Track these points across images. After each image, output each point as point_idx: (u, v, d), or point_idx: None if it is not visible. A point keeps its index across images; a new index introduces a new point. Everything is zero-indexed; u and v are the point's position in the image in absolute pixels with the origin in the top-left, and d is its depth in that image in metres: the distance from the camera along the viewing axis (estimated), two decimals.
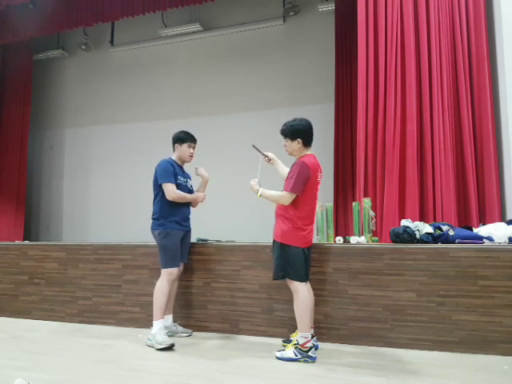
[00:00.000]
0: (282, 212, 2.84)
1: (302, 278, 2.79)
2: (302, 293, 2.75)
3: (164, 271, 3.21)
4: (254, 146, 3.20)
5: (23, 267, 4.27)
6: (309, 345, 2.68)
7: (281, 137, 2.98)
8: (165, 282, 3.17)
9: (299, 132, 2.84)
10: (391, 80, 3.98)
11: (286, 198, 2.78)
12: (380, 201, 3.91)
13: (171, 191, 3.22)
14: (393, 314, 3.02)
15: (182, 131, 3.46)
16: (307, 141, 2.88)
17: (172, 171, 3.27)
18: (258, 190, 2.92)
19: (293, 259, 2.78)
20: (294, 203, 2.80)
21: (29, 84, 7.91)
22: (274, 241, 2.89)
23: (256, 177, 3.03)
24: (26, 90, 7.85)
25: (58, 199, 8.29)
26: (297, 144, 2.86)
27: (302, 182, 2.75)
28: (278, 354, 2.76)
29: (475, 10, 4.03)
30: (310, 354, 2.68)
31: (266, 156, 3.21)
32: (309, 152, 2.90)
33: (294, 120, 2.88)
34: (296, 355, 2.68)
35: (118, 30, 8.03)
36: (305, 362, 2.66)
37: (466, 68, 3.99)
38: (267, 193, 2.90)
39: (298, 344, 2.70)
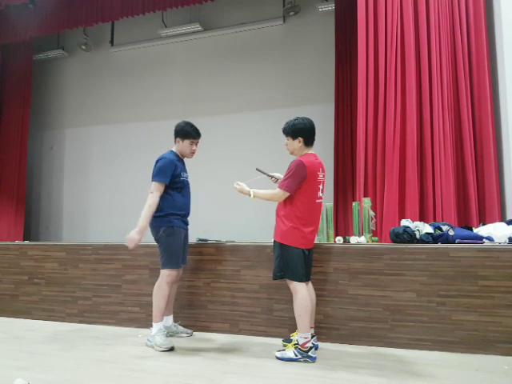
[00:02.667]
0: (282, 212, 2.83)
1: (301, 279, 2.78)
2: (301, 293, 2.74)
3: (163, 272, 3.09)
4: (258, 169, 3.11)
5: (23, 267, 4.27)
6: (309, 345, 2.68)
7: (280, 137, 2.98)
8: (164, 284, 3.06)
9: (301, 131, 2.83)
10: (391, 80, 3.99)
11: (279, 195, 2.80)
12: (380, 201, 3.91)
13: (158, 192, 3.06)
14: (393, 314, 3.02)
15: (187, 123, 3.24)
16: (308, 140, 2.86)
17: (171, 172, 3.10)
18: (249, 192, 2.94)
19: (291, 260, 2.77)
20: (293, 203, 2.79)
21: (29, 84, 7.91)
22: (274, 241, 2.89)
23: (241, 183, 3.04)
24: (26, 90, 7.85)
25: (58, 199, 8.29)
26: (298, 143, 2.85)
27: (297, 181, 2.74)
28: (278, 354, 2.76)
29: (475, 10, 4.03)
30: (309, 353, 2.67)
31: (273, 176, 3.14)
32: (311, 151, 2.89)
33: (297, 119, 2.87)
34: (296, 355, 2.68)
35: (118, 30, 8.04)
36: (305, 362, 2.66)
37: (466, 68, 3.99)
38: (259, 192, 2.93)
39: (297, 344, 2.70)
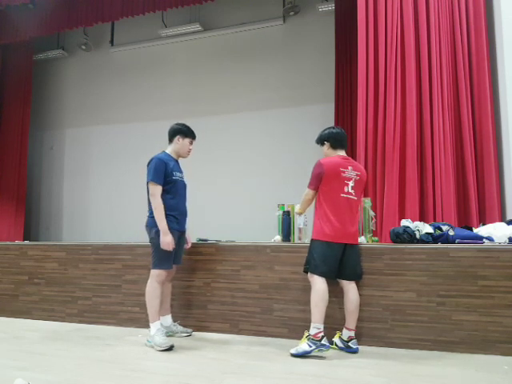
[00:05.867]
0: (315, 210, 3.00)
1: (321, 273, 2.85)
2: (318, 285, 2.82)
3: (153, 272, 3.11)
4: None
5: (23, 267, 4.27)
6: (321, 335, 2.73)
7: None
8: (155, 284, 3.08)
9: (325, 136, 3.09)
10: (391, 80, 3.98)
11: (306, 192, 3.05)
12: (380, 201, 3.91)
13: (157, 194, 3.07)
14: (393, 314, 3.02)
15: (184, 125, 3.31)
16: (334, 143, 3.06)
17: (163, 172, 3.10)
18: (296, 209, 3.30)
19: (314, 252, 2.90)
20: (319, 199, 2.97)
21: (29, 84, 7.92)
22: None
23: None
24: (25, 90, 7.86)
25: (58, 199, 8.29)
26: (326, 148, 3.09)
27: (315, 178, 2.96)
28: (293, 351, 2.78)
29: (475, 10, 4.03)
30: (323, 342, 2.72)
31: None
32: (340, 154, 3.05)
33: (325, 129, 3.15)
34: (310, 346, 2.72)
35: (118, 30, 8.04)
36: (319, 351, 2.71)
37: (466, 68, 3.99)
38: (300, 204, 3.17)
39: (310, 335, 2.75)
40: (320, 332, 2.74)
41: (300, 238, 3.56)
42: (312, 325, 2.77)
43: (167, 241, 3.03)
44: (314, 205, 3.05)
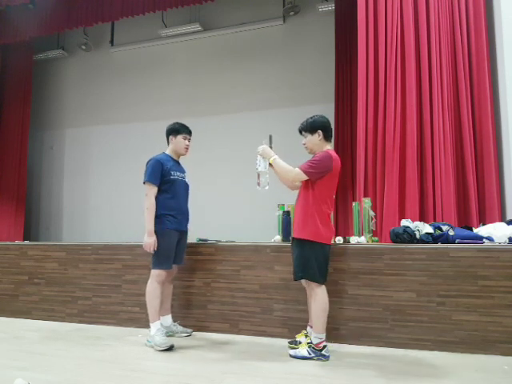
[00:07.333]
0: (305, 205, 2.71)
1: (323, 280, 2.73)
2: (320, 296, 2.71)
3: (153, 272, 3.12)
4: (271, 136, 2.94)
5: (23, 267, 4.27)
6: (322, 345, 2.70)
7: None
8: (154, 284, 3.09)
9: (319, 123, 2.77)
10: (391, 80, 3.98)
11: (295, 173, 2.71)
12: (380, 201, 3.91)
13: (151, 194, 3.09)
14: (393, 314, 3.02)
15: (176, 123, 3.34)
16: (327, 134, 2.79)
17: (159, 172, 3.12)
18: (272, 156, 2.81)
19: (314, 258, 2.70)
20: (316, 195, 2.69)
21: (29, 84, 7.92)
22: (292, 238, 2.83)
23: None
24: (25, 90, 7.86)
25: (58, 199, 8.29)
26: (317, 137, 2.76)
27: (320, 169, 2.66)
28: (292, 352, 2.77)
29: (475, 10, 4.03)
30: (323, 352, 2.69)
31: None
32: (330, 148, 2.83)
33: (312, 116, 2.82)
34: (310, 354, 2.70)
35: (118, 30, 8.04)
36: (318, 360, 2.68)
37: (466, 68, 3.99)
38: (280, 162, 2.79)
39: (311, 343, 2.72)
40: (322, 342, 2.70)
41: (259, 184, 2.92)
42: (314, 334, 2.73)
43: (149, 242, 3.05)
44: (304, 198, 2.75)
